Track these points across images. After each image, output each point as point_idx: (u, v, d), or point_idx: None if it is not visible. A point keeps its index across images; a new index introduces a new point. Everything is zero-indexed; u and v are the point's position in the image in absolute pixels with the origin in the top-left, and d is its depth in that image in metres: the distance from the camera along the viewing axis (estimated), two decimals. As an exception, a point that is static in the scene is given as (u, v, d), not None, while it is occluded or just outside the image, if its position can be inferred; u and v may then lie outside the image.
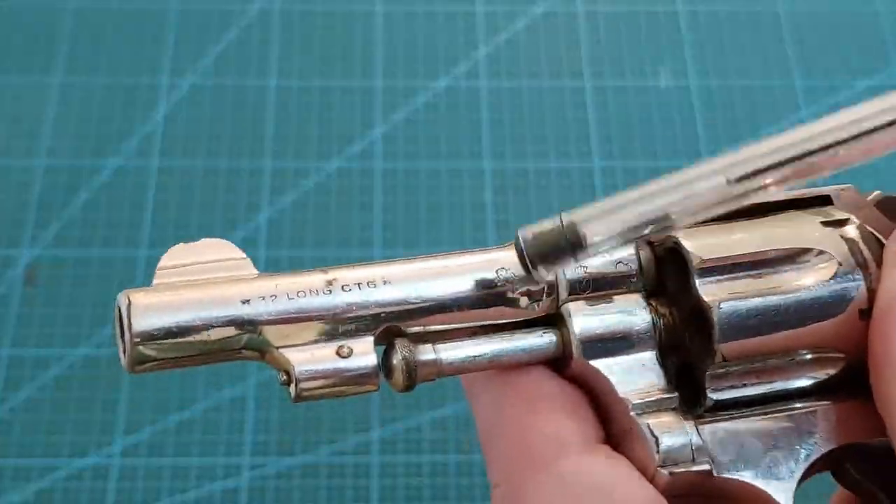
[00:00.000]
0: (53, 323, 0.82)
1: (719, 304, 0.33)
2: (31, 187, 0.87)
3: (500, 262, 0.34)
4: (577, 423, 0.33)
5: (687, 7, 1.00)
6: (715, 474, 0.33)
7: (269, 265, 0.84)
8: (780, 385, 0.34)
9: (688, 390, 0.35)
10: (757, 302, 0.33)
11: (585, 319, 0.34)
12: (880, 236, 0.35)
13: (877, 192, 0.38)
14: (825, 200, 0.37)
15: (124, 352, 0.31)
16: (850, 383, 0.35)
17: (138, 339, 0.31)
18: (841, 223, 0.36)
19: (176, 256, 0.34)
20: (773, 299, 0.33)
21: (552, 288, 0.34)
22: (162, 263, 0.34)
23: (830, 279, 0.34)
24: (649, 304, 0.35)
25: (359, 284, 0.33)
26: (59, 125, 0.91)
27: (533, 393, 0.34)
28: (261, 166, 0.89)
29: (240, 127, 0.92)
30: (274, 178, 0.89)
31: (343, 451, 0.77)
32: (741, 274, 0.34)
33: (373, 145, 0.91)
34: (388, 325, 0.33)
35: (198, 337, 0.31)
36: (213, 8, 0.98)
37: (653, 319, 0.34)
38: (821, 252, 0.34)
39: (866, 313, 0.34)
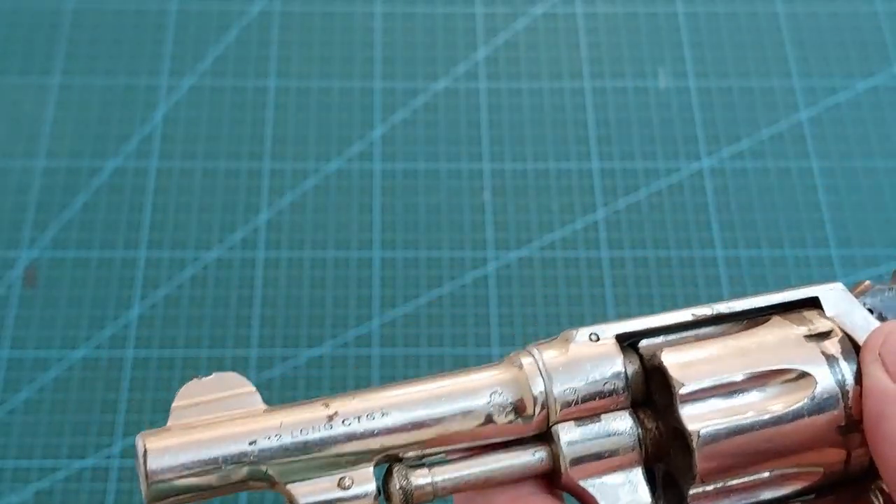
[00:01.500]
0: (53, 324, 0.82)
1: (699, 431, 0.34)
2: (30, 188, 0.87)
3: (493, 385, 0.35)
4: None
5: (686, 8, 1.00)
6: None
7: (269, 266, 0.84)
8: (761, 497, 0.35)
9: (674, 494, 0.36)
10: (737, 427, 0.34)
11: (574, 440, 0.34)
12: (860, 342, 0.36)
13: (866, 283, 0.39)
14: (814, 301, 0.38)
15: (143, 488, 0.33)
16: (825, 489, 0.36)
17: (154, 481, 0.33)
18: (823, 336, 0.36)
19: (188, 394, 0.35)
20: (754, 424, 0.34)
21: (543, 406, 0.35)
22: (176, 403, 0.35)
23: (808, 399, 0.35)
24: (636, 417, 0.35)
25: (358, 418, 0.34)
26: (58, 126, 0.91)
27: None
28: (260, 167, 0.89)
29: (239, 128, 0.92)
30: (273, 180, 0.89)
31: (342, 453, 0.77)
32: (723, 400, 0.35)
33: (372, 146, 0.91)
34: (387, 454, 0.34)
35: (208, 476, 0.33)
36: (212, 9, 0.98)
37: (639, 435, 0.35)
38: (800, 371, 0.35)
39: (844, 429, 0.35)
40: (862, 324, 0.36)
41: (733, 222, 0.87)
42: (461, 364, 0.81)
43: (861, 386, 0.35)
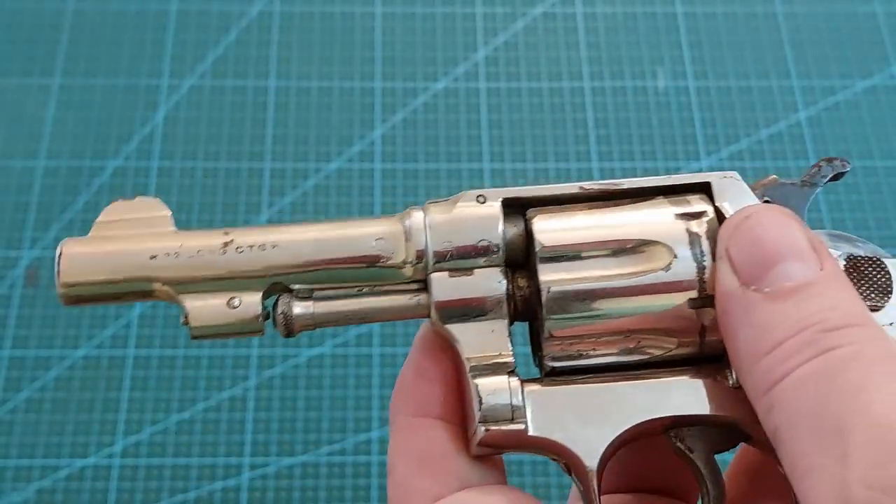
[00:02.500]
0: (54, 324, 0.82)
1: (549, 288, 0.37)
2: (32, 188, 0.88)
3: (378, 233, 0.38)
4: (437, 485, 0.37)
5: (685, 8, 1.00)
6: (529, 433, 0.36)
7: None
8: (613, 359, 0.38)
9: (541, 355, 0.39)
10: (586, 287, 0.37)
11: (445, 288, 0.38)
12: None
13: (772, 177, 0.39)
14: (706, 187, 0.39)
15: (57, 289, 0.38)
16: (678, 362, 0.38)
17: (66, 282, 0.37)
18: (694, 216, 0.38)
19: (113, 213, 0.39)
20: (603, 285, 0.37)
21: (422, 256, 0.38)
22: (100, 218, 0.39)
23: (662, 270, 0.37)
24: (511, 277, 0.38)
25: (251, 247, 0.38)
26: (59, 127, 0.91)
27: (420, 450, 0.38)
28: (260, 167, 0.90)
29: (239, 128, 0.92)
30: (273, 179, 0.89)
31: (343, 451, 0.78)
32: (578, 261, 0.37)
33: (372, 146, 0.91)
34: (274, 283, 0.38)
35: (113, 284, 0.38)
36: (212, 9, 0.99)
37: (508, 291, 0.38)
38: (660, 244, 0.37)
39: (696, 302, 0.36)
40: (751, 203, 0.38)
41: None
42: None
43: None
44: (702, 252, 0.37)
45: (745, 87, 0.96)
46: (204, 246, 0.38)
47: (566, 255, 0.37)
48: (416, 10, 1.00)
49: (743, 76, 0.96)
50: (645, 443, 0.39)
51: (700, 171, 0.90)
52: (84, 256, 0.38)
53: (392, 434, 0.39)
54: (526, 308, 0.38)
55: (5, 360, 0.80)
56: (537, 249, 0.37)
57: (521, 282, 0.38)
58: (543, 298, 0.37)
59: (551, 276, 0.37)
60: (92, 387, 0.79)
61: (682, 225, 0.37)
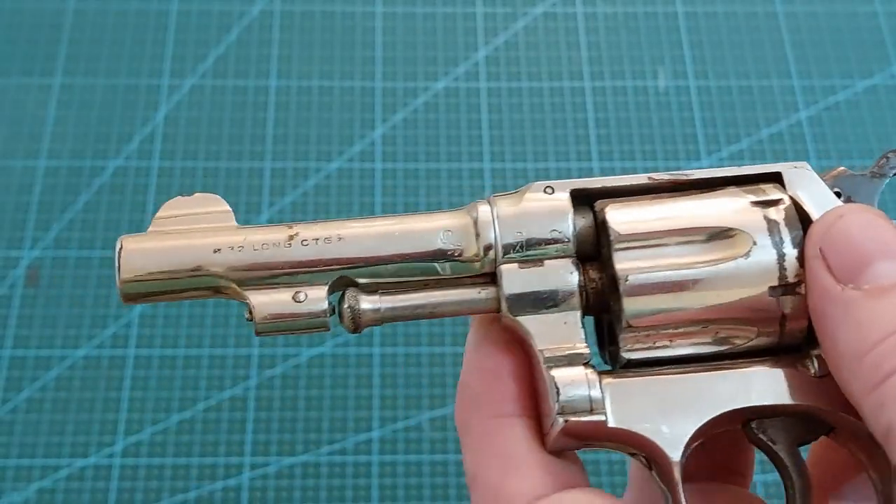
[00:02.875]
0: (55, 323, 0.82)
1: (627, 276, 0.36)
2: (32, 188, 0.88)
3: (446, 226, 0.38)
4: (533, 486, 0.36)
5: (686, 8, 1.00)
6: (609, 425, 0.35)
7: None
8: (690, 350, 0.37)
9: (615, 348, 0.38)
10: (665, 276, 0.36)
11: (515, 280, 0.37)
12: (813, 216, 0.37)
13: (840, 168, 0.39)
14: (776, 177, 0.39)
15: (117, 288, 0.37)
16: (757, 352, 0.37)
17: (126, 279, 0.37)
18: (771, 203, 0.37)
19: (172, 207, 0.39)
20: (683, 273, 0.36)
21: (490, 248, 0.37)
22: (159, 213, 0.39)
23: (741, 257, 0.36)
24: (582, 269, 0.38)
25: (316, 240, 0.37)
26: (60, 126, 0.91)
27: (505, 453, 0.37)
28: (261, 167, 0.90)
29: (240, 128, 0.92)
30: (274, 179, 0.89)
31: (343, 451, 0.78)
32: (655, 249, 0.37)
33: (373, 146, 0.91)
34: (340, 276, 0.37)
35: (176, 278, 0.37)
36: (213, 9, 0.99)
37: (580, 283, 0.37)
38: (738, 231, 0.37)
39: (777, 290, 0.36)
40: (821, 201, 0.38)
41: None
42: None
43: (799, 251, 0.36)
44: (781, 239, 0.36)
45: (746, 86, 0.96)
46: (269, 239, 0.37)
47: (642, 243, 0.37)
48: (416, 10, 1.00)
49: (744, 76, 0.96)
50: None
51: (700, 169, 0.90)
52: (144, 251, 0.37)
53: (468, 443, 0.39)
54: (598, 300, 0.38)
55: (6, 359, 0.80)
56: (612, 238, 0.37)
57: (593, 273, 0.38)
58: (621, 287, 0.36)
59: (628, 265, 0.36)
60: (92, 386, 0.79)
61: (759, 212, 0.37)
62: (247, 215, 0.87)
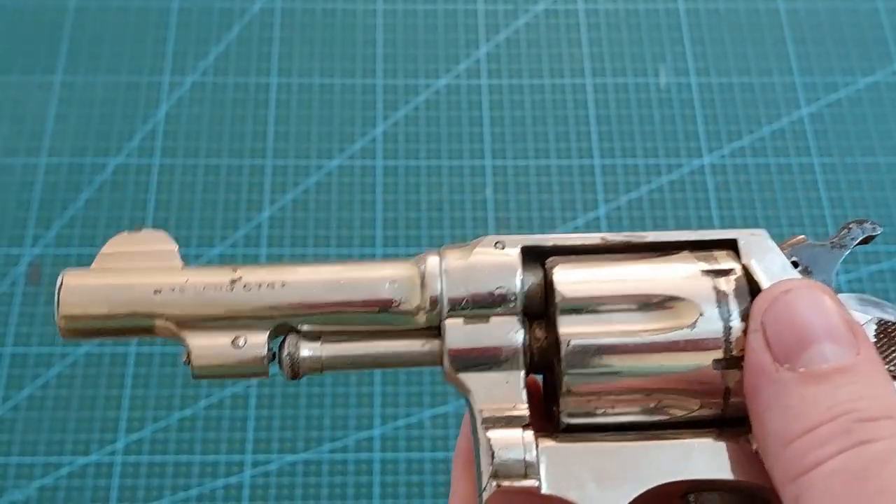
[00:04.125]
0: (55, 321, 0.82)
1: (570, 340, 0.35)
2: (34, 186, 0.88)
3: (392, 277, 0.37)
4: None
5: (687, 4, 1.00)
6: (542, 491, 0.35)
7: (272, 262, 0.85)
8: (632, 418, 0.36)
9: (556, 410, 0.37)
10: (609, 342, 0.35)
11: (459, 335, 0.36)
12: (763, 287, 0.36)
13: (800, 237, 0.39)
14: (732, 244, 0.38)
15: (57, 322, 0.37)
16: (700, 423, 0.36)
17: (65, 315, 0.36)
18: (721, 273, 0.37)
19: (117, 244, 0.38)
20: (627, 341, 0.35)
21: (436, 302, 0.37)
22: (104, 249, 0.38)
23: (687, 328, 0.35)
24: (529, 327, 0.37)
25: (259, 285, 0.37)
26: (61, 124, 0.91)
27: (453, 486, 0.38)
28: (262, 164, 0.90)
29: (241, 125, 0.92)
30: (275, 176, 0.89)
31: (345, 448, 0.78)
32: (601, 314, 0.36)
33: (374, 143, 0.91)
34: (281, 323, 0.37)
35: (113, 319, 0.36)
36: (214, 6, 0.99)
37: (524, 341, 0.36)
38: (686, 300, 0.36)
39: (721, 363, 0.35)
40: (775, 271, 0.37)
41: (734, 218, 0.88)
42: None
43: (746, 324, 0.35)
44: (729, 311, 0.36)
45: (748, 83, 0.96)
46: (210, 283, 0.37)
47: (588, 307, 0.36)
48: (417, 7, 1.00)
49: (745, 72, 0.96)
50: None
51: (702, 167, 0.90)
52: (85, 288, 0.37)
53: None
54: (542, 360, 0.37)
55: (7, 357, 0.80)
56: (558, 300, 0.36)
57: (539, 332, 0.37)
58: (563, 352, 0.35)
59: (572, 329, 0.35)
60: (94, 384, 0.79)
61: (709, 282, 0.36)
62: (248, 213, 0.87)
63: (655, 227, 0.87)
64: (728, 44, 0.98)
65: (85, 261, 0.85)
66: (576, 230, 0.87)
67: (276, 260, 0.85)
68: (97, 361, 0.80)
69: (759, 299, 0.35)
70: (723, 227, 0.87)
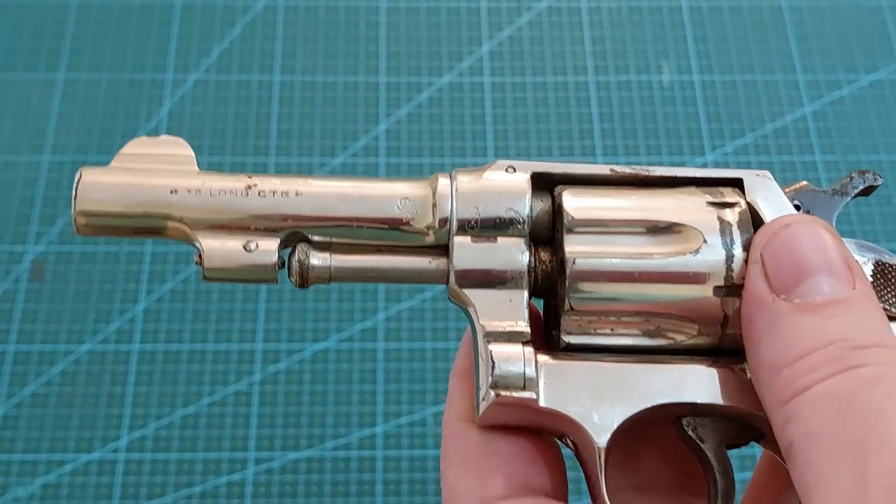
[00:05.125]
0: (59, 318, 0.82)
1: (575, 259, 0.36)
2: (37, 183, 0.88)
3: (404, 194, 0.38)
4: (482, 486, 0.36)
5: (690, 2, 1.00)
6: (539, 404, 0.36)
7: (274, 260, 0.85)
8: (630, 341, 0.37)
9: (558, 330, 0.38)
10: (613, 263, 0.36)
11: (466, 253, 0.37)
12: (767, 219, 0.37)
13: (803, 183, 0.39)
14: (738, 183, 0.39)
15: (73, 217, 0.37)
16: (697, 351, 0.37)
17: (82, 211, 0.37)
18: (726, 205, 0.38)
19: (136, 146, 0.39)
20: (631, 263, 0.36)
21: (446, 221, 0.38)
22: (123, 150, 0.39)
23: (690, 253, 0.36)
24: (534, 250, 0.38)
25: (273, 193, 0.38)
26: (64, 121, 0.91)
27: (464, 451, 0.37)
28: (265, 162, 0.90)
29: (244, 123, 0.92)
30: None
31: (348, 446, 0.78)
32: (606, 236, 0.37)
33: (376, 141, 0.91)
34: (293, 231, 0.38)
35: (129, 216, 0.37)
36: (217, 4, 0.99)
37: (530, 262, 0.37)
38: (690, 228, 0.37)
39: (721, 290, 0.36)
40: (778, 209, 0.38)
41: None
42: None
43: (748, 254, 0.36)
44: (731, 241, 0.36)
45: (750, 81, 0.95)
46: (226, 187, 0.38)
47: (594, 229, 0.37)
48: (420, 5, 1.00)
49: (748, 70, 0.96)
50: (658, 440, 0.38)
51: (705, 165, 0.90)
52: (103, 185, 0.37)
53: (442, 438, 0.39)
54: (546, 283, 0.38)
55: (11, 354, 0.80)
56: (566, 220, 0.37)
57: (544, 255, 0.38)
58: (568, 270, 0.36)
59: (578, 249, 0.37)
60: (97, 381, 0.80)
61: (713, 212, 0.37)
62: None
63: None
64: (731, 41, 0.98)
65: (88, 258, 0.85)
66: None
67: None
68: (100, 359, 0.80)
69: (761, 232, 0.36)
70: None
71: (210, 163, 0.89)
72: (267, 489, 0.76)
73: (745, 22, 0.99)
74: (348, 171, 0.89)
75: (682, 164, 0.90)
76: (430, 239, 0.38)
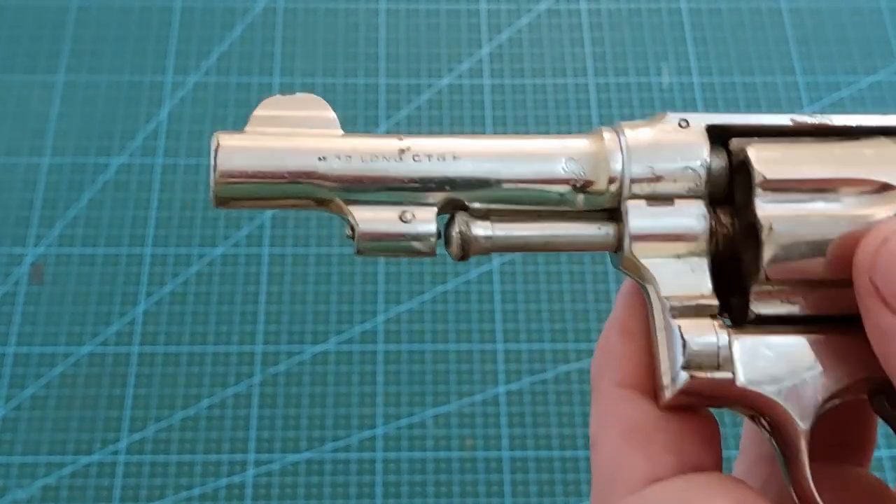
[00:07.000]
0: (59, 321, 0.82)
1: (771, 224, 0.33)
2: (36, 186, 0.88)
3: (569, 152, 0.34)
4: (653, 465, 0.33)
5: (690, 4, 1.00)
6: (737, 384, 0.32)
7: (273, 262, 0.85)
8: (826, 311, 0.34)
9: (740, 301, 0.35)
10: (812, 229, 0.33)
11: (642, 218, 0.34)
12: None
13: None
14: None
15: (210, 188, 0.34)
16: None
17: (221, 179, 0.34)
18: None
19: (271, 106, 0.36)
20: (831, 228, 0.33)
21: (615, 181, 0.34)
22: (257, 112, 0.36)
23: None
24: (712, 212, 0.34)
25: (429, 156, 0.34)
26: (64, 124, 0.91)
27: (629, 424, 0.34)
28: (264, 164, 0.90)
29: (243, 124, 0.92)
30: (278, 176, 0.89)
31: (347, 448, 0.78)
32: (804, 197, 0.33)
33: (376, 143, 0.91)
34: (451, 198, 0.34)
35: (274, 183, 0.34)
36: (217, 6, 0.99)
37: (711, 227, 0.34)
38: (891, 187, 0.33)
39: None
40: None
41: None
42: (465, 360, 0.81)
43: None
44: None
45: (750, 83, 0.95)
46: (379, 151, 0.34)
47: (788, 189, 0.33)
48: (419, 7, 1.00)
49: (747, 72, 0.96)
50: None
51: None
52: (244, 150, 0.34)
53: (594, 403, 0.35)
54: (728, 248, 0.34)
55: (10, 356, 0.80)
56: (757, 181, 0.33)
57: (724, 218, 0.34)
58: (763, 236, 0.33)
59: (773, 211, 0.33)
60: (96, 384, 0.80)
61: None
62: (252, 212, 0.87)
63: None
64: (731, 43, 0.98)
65: (88, 260, 0.85)
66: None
67: (278, 259, 0.85)
68: (100, 361, 0.80)
69: (860, 255, 0.32)
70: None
71: (209, 163, 0.89)
72: (267, 491, 0.76)
73: (745, 24, 0.99)
74: (348, 173, 0.89)
75: (681, 166, 0.90)
76: (601, 201, 0.34)
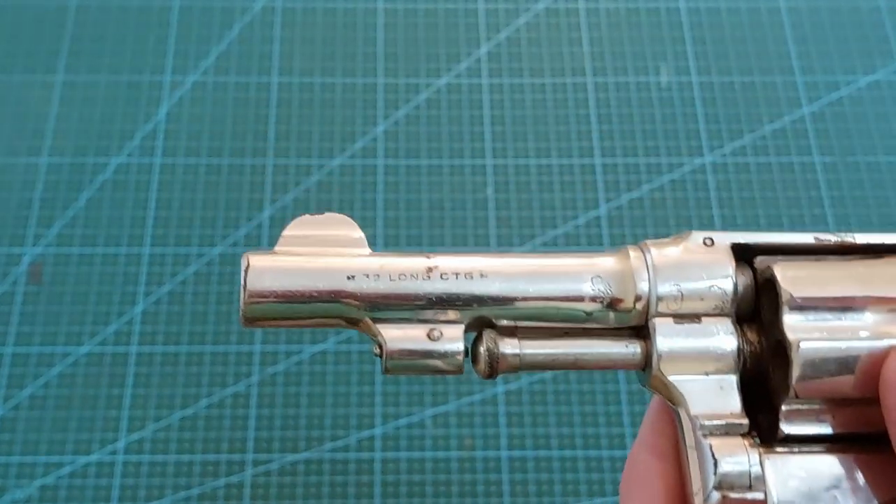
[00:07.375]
0: (57, 321, 0.82)
1: (799, 343, 0.33)
2: (35, 185, 0.88)
3: (596, 271, 0.35)
4: None
5: (688, 3, 1.00)
6: None
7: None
8: (855, 428, 0.34)
9: (768, 418, 0.35)
10: (840, 346, 0.33)
11: (669, 336, 0.34)
12: None
13: None
14: None
15: (240, 309, 0.35)
16: None
17: (251, 299, 0.34)
18: None
19: (300, 227, 0.37)
20: (858, 345, 0.33)
21: (641, 299, 0.34)
22: (286, 232, 0.37)
23: None
24: (739, 330, 0.35)
25: (457, 274, 0.34)
26: (62, 123, 0.91)
27: (635, 481, 0.35)
28: (263, 163, 0.90)
29: (242, 124, 0.92)
30: (276, 175, 0.89)
31: (346, 447, 0.78)
32: (830, 315, 0.34)
33: (374, 142, 0.91)
34: (478, 315, 0.34)
35: (303, 303, 0.34)
36: (215, 5, 0.99)
37: (739, 345, 0.34)
38: None
39: None
40: None
41: (735, 218, 0.88)
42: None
43: None
44: None
45: (749, 82, 0.95)
46: (407, 269, 0.35)
47: (814, 307, 0.33)
48: (418, 6, 1.00)
49: (746, 71, 0.96)
50: None
51: (703, 166, 0.90)
52: (273, 271, 0.35)
53: None
54: (755, 366, 0.35)
55: (9, 356, 0.80)
56: (785, 299, 0.33)
57: (751, 336, 0.35)
58: (792, 354, 0.33)
59: (802, 330, 0.33)
60: (95, 383, 0.80)
61: None
62: (249, 212, 0.87)
63: (656, 226, 0.87)
64: (729, 42, 0.98)
65: (86, 260, 0.85)
66: (577, 229, 0.87)
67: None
68: (98, 361, 0.80)
69: (887, 372, 0.33)
70: (723, 226, 0.87)
71: (209, 164, 0.89)
72: (265, 491, 0.76)
73: (744, 23, 0.99)
74: (347, 173, 0.89)
75: (680, 166, 0.90)
76: (627, 318, 0.35)
